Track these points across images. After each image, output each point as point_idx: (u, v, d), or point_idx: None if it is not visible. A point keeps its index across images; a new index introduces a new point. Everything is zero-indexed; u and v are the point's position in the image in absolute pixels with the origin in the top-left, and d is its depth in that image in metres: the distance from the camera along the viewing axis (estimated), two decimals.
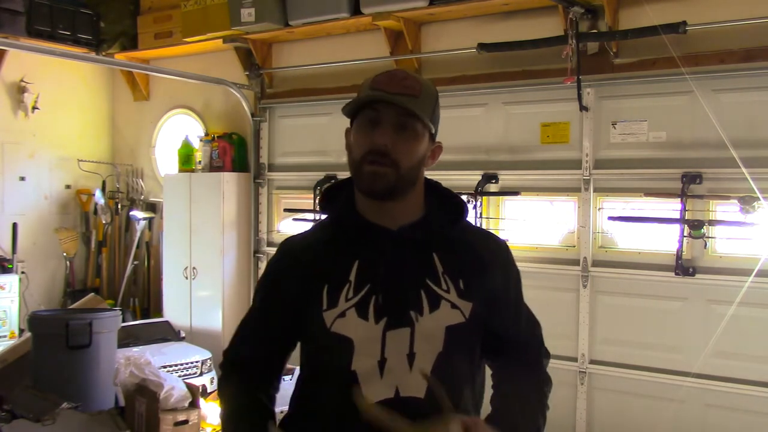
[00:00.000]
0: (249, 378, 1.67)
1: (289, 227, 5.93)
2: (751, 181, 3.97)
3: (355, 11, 5.14)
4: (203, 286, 6.02)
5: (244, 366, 1.69)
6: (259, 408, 1.64)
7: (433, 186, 1.68)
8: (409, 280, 1.56)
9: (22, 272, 6.22)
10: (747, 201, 3.93)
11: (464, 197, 5.47)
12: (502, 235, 4.84)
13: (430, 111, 1.56)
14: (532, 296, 5.51)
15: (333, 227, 1.65)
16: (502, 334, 1.64)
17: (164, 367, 4.87)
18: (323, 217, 1.70)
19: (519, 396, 1.62)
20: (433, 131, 1.59)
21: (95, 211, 6.88)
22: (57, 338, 4.25)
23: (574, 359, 4.59)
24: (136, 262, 6.77)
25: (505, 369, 1.68)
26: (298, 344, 1.68)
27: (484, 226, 4.86)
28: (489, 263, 1.63)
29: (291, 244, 1.71)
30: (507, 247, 1.73)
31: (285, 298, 1.63)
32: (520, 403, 1.61)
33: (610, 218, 4.50)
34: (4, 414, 3.88)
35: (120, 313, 4.85)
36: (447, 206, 1.66)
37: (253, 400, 1.64)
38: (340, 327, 1.53)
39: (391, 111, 1.52)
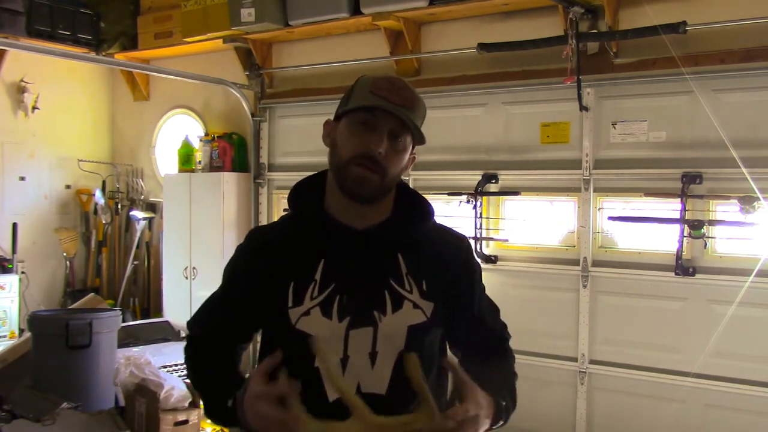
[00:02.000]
0: (211, 350, 1.73)
1: None
2: (751, 181, 3.97)
3: (355, 11, 5.14)
4: (203, 286, 6.01)
5: (204, 341, 1.75)
6: (227, 370, 1.70)
7: (402, 188, 1.71)
8: (374, 281, 1.60)
9: (22, 272, 6.22)
10: (747, 201, 3.93)
11: (464, 197, 5.42)
12: (502, 235, 4.89)
13: (420, 124, 1.61)
14: (532, 296, 5.49)
15: (301, 224, 1.67)
16: (467, 327, 1.71)
17: (164, 367, 4.86)
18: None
19: (489, 369, 1.67)
20: (418, 143, 1.64)
21: (95, 211, 6.88)
22: (57, 338, 4.24)
23: (574, 359, 4.59)
24: (136, 262, 6.77)
25: (472, 353, 1.74)
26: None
27: (484, 226, 4.86)
28: (451, 263, 1.68)
29: (260, 235, 1.76)
30: (468, 244, 1.78)
31: (250, 290, 1.66)
32: (493, 374, 1.65)
33: (610, 218, 4.50)
34: (4, 414, 3.87)
35: (120, 313, 4.84)
36: (414, 207, 1.69)
37: (220, 366, 1.70)
38: (304, 325, 1.57)
39: (389, 120, 1.55)
